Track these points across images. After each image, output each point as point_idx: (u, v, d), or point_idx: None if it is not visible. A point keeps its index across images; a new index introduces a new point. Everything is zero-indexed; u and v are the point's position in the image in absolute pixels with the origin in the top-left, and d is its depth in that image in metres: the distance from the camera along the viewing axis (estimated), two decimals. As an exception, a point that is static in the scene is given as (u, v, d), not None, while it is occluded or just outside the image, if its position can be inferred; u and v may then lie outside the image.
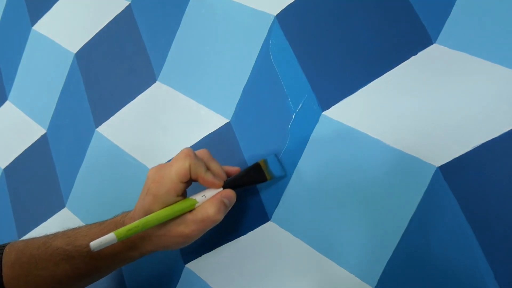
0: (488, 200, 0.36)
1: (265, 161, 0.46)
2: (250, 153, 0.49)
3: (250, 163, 0.49)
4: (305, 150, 0.45)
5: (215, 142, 0.52)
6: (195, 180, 0.43)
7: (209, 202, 0.42)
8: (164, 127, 0.57)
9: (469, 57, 0.39)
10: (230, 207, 0.43)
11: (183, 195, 0.43)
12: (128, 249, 0.44)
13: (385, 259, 0.39)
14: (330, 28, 0.46)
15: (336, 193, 0.43)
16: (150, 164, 0.57)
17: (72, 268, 0.44)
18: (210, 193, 0.43)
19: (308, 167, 0.45)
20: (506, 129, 0.36)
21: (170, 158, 0.55)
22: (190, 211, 0.42)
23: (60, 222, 0.65)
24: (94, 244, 0.37)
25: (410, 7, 0.42)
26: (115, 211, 0.59)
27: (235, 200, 0.44)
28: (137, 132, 0.59)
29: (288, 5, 0.49)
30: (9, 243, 0.48)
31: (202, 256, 0.50)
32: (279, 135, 0.47)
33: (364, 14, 0.44)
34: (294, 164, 0.46)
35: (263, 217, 0.47)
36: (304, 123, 0.46)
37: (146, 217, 0.40)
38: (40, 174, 0.69)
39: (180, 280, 0.52)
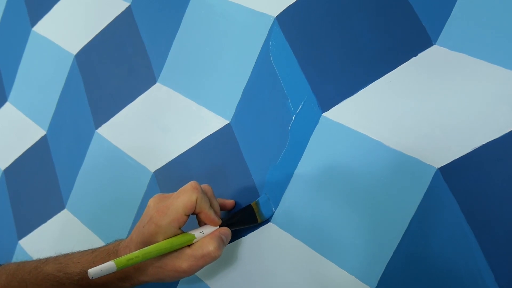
0: (489, 202, 0.36)
1: (257, 203, 0.46)
2: (250, 155, 0.49)
3: (249, 164, 0.49)
4: (305, 152, 0.45)
5: (215, 143, 0.52)
6: (196, 214, 0.43)
7: (209, 238, 0.42)
8: (164, 129, 0.57)
9: (469, 58, 0.39)
10: (226, 246, 0.44)
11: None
12: (119, 279, 0.44)
13: (385, 260, 0.39)
14: (330, 29, 0.46)
15: (336, 195, 0.43)
16: (150, 165, 0.57)
17: None
18: (208, 230, 0.43)
19: (308, 169, 0.45)
20: (506, 130, 0.36)
21: (170, 160, 0.55)
22: (189, 246, 0.42)
23: (60, 223, 0.65)
24: (93, 271, 0.36)
25: (410, 8, 0.42)
26: (115, 212, 0.60)
27: (230, 238, 0.44)
28: (137, 133, 0.59)
29: (288, 7, 0.49)
30: (0, 265, 0.48)
31: (202, 257, 0.50)
32: (279, 136, 0.47)
33: (364, 15, 0.44)
34: (294, 166, 0.46)
35: (263, 219, 0.47)
36: (304, 124, 0.46)
37: (147, 247, 0.40)
38: (40, 175, 0.69)
39: (179, 281, 0.52)
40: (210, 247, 0.41)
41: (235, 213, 0.47)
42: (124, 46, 0.63)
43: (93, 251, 0.46)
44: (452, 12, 0.40)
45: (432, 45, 0.40)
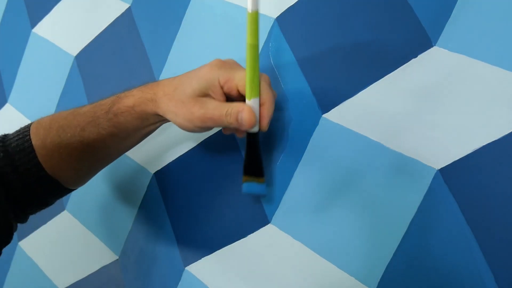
0: (489, 203, 0.36)
1: (262, 182, 0.45)
2: (250, 156, 0.49)
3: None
4: (305, 153, 0.45)
5: (215, 143, 0.52)
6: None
7: (236, 105, 0.41)
8: (163, 130, 0.57)
9: (469, 59, 0.39)
10: (241, 128, 0.42)
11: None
12: (144, 101, 0.44)
13: (385, 261, 0.39)
14: (330, 30, 0.46)
15: (336, 196, 0.43)
16: (150, 166, 0.57)
17: (97, 129, 0.45)
18: (252, 104, 0.42)
19: (308, 170, 0.45)
20: (506, 132, 0.36)
21: (170, 161, 0.55)
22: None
23: (60, 225, 0.65)
24: None
25: (410, 9, 0.42)
26: (115, 214, 0.59)
27: (248, 130, 0.43)
28: (137, 134, 0.59)
29: (288, 8, 0.49)
30: (32, 122, 0.48)
31: (202, 258, 0.50)
32: (279, 137, 0.47)
33: (364, 16, 0.44)
34: (294, 167, 0.46)
35: (263, 220, 0.47)
36: (304, 125, 0.46)
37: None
38: (40, 176, 0.69)
39: (180, 283, 0.52)
40: (224, 110, 0.41)
41: (260, 154, 0.45)
42: (124, 47, 0.63)
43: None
44: (452, 13, 0.40)
45: (432, 46, 0.41)
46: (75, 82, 0.68)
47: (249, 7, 0.38)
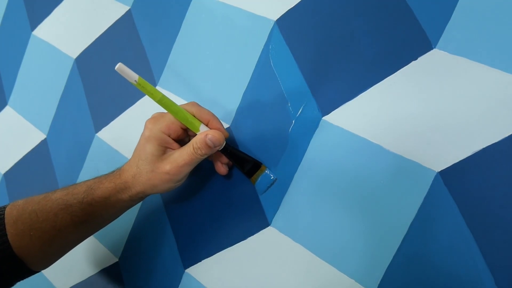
0: (489, 205, 0.36)
1: (264, 170, 0.47)
2: (250, 158, 0.49)
3: (250, 168, 0.49)
4: (305, 155, 0.45)
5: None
6: (204, 123, 0.45)
7: (195, 139, 0.43)
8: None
9: (469, 62, 0.39)
10: (214, 150, 0.44)
11: (180, 141, 0.46)
12: (118, 191, 0.46)
13: (385, 264, 0.39)
14: (330, 33, 0.46)
15: (337, 198, 0.43)
16: (150, 169, 0.57)
17: (70, 216, 0.46)
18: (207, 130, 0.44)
19: (308, 172, 0.45)
20: (506, 134, 0.36)
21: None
22: (177, 150, 0.44)
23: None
24: (120, 65, 0.40)
25: (410, 12, 0.42)
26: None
27: (220, 146, 0.44)
28: (137, 137, 0.59)
29: (288, 10, 0.49)
30: (9, 204, 0.50)
31: (202, 261, 0.50)
32: (279, 140, 0.47)
33: (364, 19, 0.45)
34: (294, 169, 0.46)
35: (263, 222, 0.47)
36: (304, 128, 0.46)
37: (165, 97, 0.43)
38: (40, 179, 0.69)
39: (180, 285, 0.52)
40: (190, 148, 0.43)
41: (243, 152, 0.47)
42: (124, 49, 0.63)
43: (97, 176, 0.49)
44: (452, 15, 0.40)
45: (432, 48, 0.41)
46: (75, 85, 0.68)
47: (132, 80, 0.41)
